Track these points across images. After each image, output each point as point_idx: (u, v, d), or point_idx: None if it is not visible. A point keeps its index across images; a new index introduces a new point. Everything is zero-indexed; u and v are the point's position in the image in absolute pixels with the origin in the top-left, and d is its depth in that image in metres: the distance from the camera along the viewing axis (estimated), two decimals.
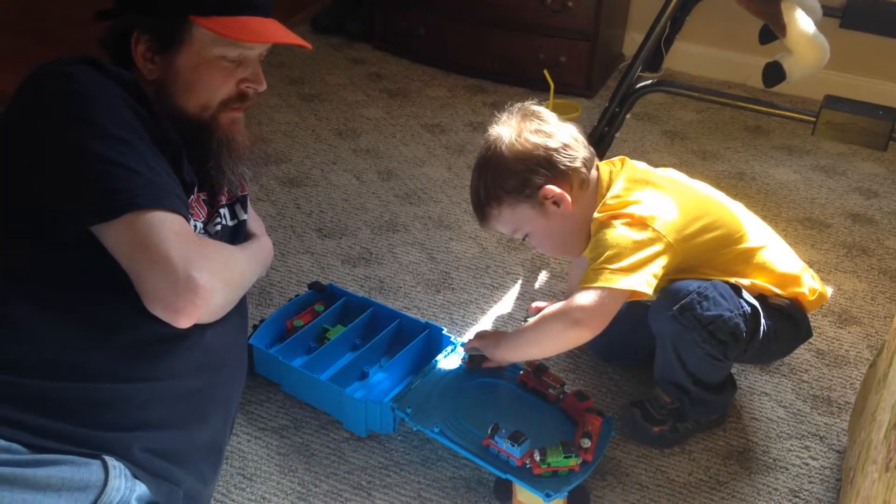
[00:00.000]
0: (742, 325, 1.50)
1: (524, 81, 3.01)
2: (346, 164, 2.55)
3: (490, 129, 1.57)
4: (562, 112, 2.50)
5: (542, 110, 1.57)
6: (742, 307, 1.51)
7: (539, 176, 1.50)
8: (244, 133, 1.46)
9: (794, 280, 1.62)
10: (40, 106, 1.26)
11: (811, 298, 1.63)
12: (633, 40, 3.09)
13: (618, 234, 1.48)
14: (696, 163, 2.61)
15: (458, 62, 3.13)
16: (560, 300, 1.88)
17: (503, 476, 1.45)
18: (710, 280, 1.52)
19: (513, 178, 1.51)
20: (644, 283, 1.44)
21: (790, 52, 2.29)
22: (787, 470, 1.61)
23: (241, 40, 1.35)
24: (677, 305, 1.49)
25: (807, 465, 1.62)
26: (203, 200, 1.44)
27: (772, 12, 2.20)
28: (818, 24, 2.25)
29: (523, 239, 1.61)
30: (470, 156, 2.59)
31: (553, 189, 1.51)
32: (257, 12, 1.38)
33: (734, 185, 2.50)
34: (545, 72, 2.57)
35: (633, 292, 1.45)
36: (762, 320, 1.54)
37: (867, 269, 2.16)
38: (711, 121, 2.87)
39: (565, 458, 1.43)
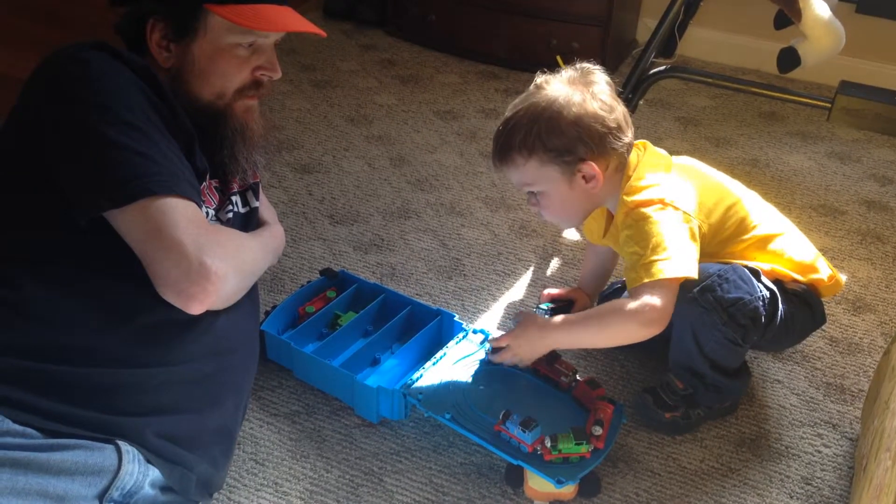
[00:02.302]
0: (761, 308, 1.51)
1: (536, 67, 2.93)
2: (358, 151, 2.54)
3: (548, 82, 1.52)
4: None
5: (605, 79, 1.53)
6: (761, 291, 1.52)
7: (586, 148, 1.48)
8: (258, 121, 1.46)
9: (811, 267, 1.62)
10: (55, 91, 1.26)
11: (828, 284, 1.63)
12: (646, 26, 3.07)
13: (654, 222, 1.46)
14: (709, 149, 2.60)
15: (471, 48, 3.12)
16: (571, 287, 1.89)
17: (514, 462, 1.46)
18: (730, 263, 1.52)
19: (560, 140, 1.47)
20: (693, 266, 1.44)
21: (805, 38, 2.27)
22: (800, 457, 1.61)
23: (255, 28, 1.35)
24: (698, 287, 1.48)
25: (819, 452, 1.62)
26: (215, 188, 1.44)
27: None
28: (834, 10, 2.23)
29: (529, 195, 1.57)
30: (482, 142, 2.58)
31: (592, 167, 1.49)
32: (272, 0, 1.38)
33: (748, 171, 2.49)
34: (558, 58, 2.54)
35: (686, 278, 1.44)
36: (780, 305, 1.55)
37: (882, 257, 2.15)
38: (725, 107, 2.85)
39: (576, 444, 1.44)
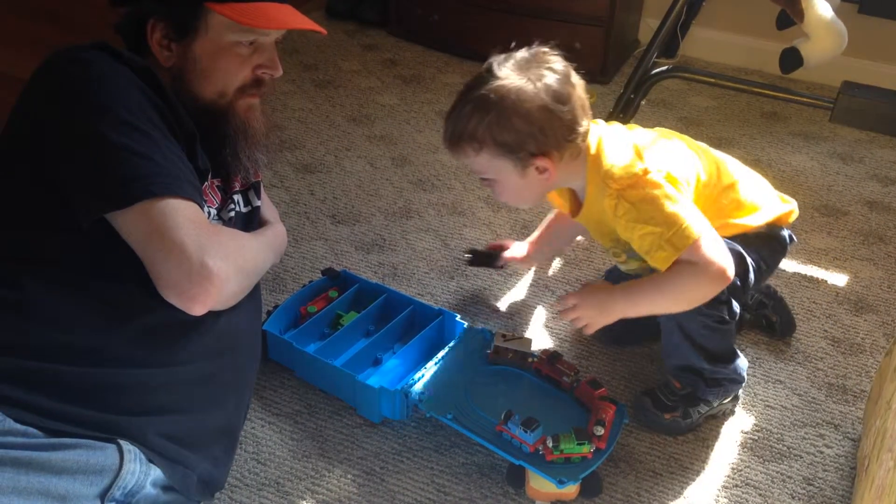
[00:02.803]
0: (753, 264, 1.54)
1: None
2: (360, 151, 2.54)
3: (501, 65, 1.46)
4: None
5: (560, 63, 1.48)
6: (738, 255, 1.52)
7: (538, 143, 1.44)
8: (260, 120, 1.46)
9: (770, 206, 1.63)
10: (56, 92, 1.26)
11: (784, 215, 1.64)
12: (648, 26, 3.07)
13: (654, 197, 1.42)
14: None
15: (473, 48, 3.11)
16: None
17: (516, 462, 1.46)
18: None
19: (511, 135, 1.43)
20: (705, 222, 1.43)
21: (808, 38, 2.27)
22: (802, 458, 1.60)
23: (256, 26, 1.35)
24: None
25: (821, 453, 1.62)
26: (217, 187, 1.45)
27: None
28: (836, 10, 2.23)
29: (482, 178, 1.55)
30: None
31: (544, 162, 1.46)
32: None
33: None
34: None
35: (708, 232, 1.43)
36: (748, 260, 1.55)
37: (884, 257, 2.14)
38: (727, 107, 2.85)
39: (578, 445, 1.44)
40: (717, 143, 2.64)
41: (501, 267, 1.98)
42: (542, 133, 1.44)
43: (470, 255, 1.96)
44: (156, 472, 1.25)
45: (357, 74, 3.00)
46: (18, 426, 1.15)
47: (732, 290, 1.50)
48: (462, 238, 2.17)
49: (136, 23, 1.37)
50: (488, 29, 3.05)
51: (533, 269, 2.07)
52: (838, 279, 2.06)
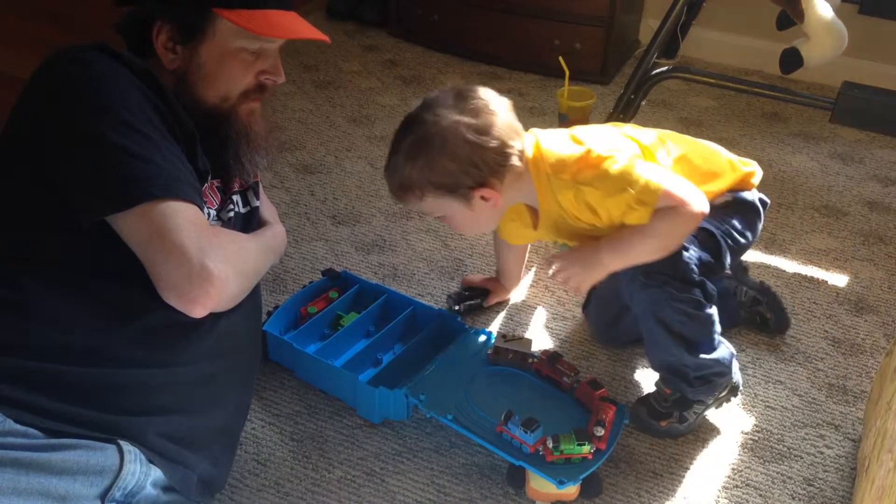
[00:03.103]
0: (704, 256, 1.53)
1: (539, 68, 3.00)
2: (361, 152, 2.54)
3: (423, 111, 1.48)
4: (577, 99, 2.50)
5: (480, 93, 1.48)
6: (694, 239, 1.54)
7: (472, 178, 1.47)
8: (260, 123, 1.47)
9: (726, 172, 1.64)
10: (55, 93, 1.26)
11: (746, 175, 1.66)
12: (648, 27, 3.07)
13: (608, 168, 1.45)
14: None
15: (473, 49, 3.12)
16: (489, 276, 1.97)
17: (516, 463, 1.46)
18: None
19: (444, 177, 1.46)
20: (666, 174, 1.47)
21: (808, 39, 2.27)
22: (802, 458, 1.60)
23: (265, 35, 1.35)
24: (642, 273, 1.49)
25: (821, 453, 1.62)
26: (216, 188, 1.45)
27: None
28: (836, 10, 2.23)
29: (437, 217, 1.58)
30: None
31: (485, 192, 1.48)
32: (279, 5, 1.38)
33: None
34: (560, 58, 2.55)
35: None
36: (717, 234, 1.57)
37: (884, 258, 2.14)
38: (728, 108, 2.85)
39: (578, 445, 1.44)
40: (718, 143, 2.63)
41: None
42: (474, 167, 1.46)
43: (457, 308, 1.92)
44: (156, 473, 1.25)
45: (357, 75, 3.00)
46: (19, 427, 1.15)
47: (707, 269, 1.52)
48: (462, 239, 2.17)
49: (140, 24, 1.36)
50: (488, 29, 3.05)
51: (532, 269, 2.07)
52: (838, 280, 2.06)
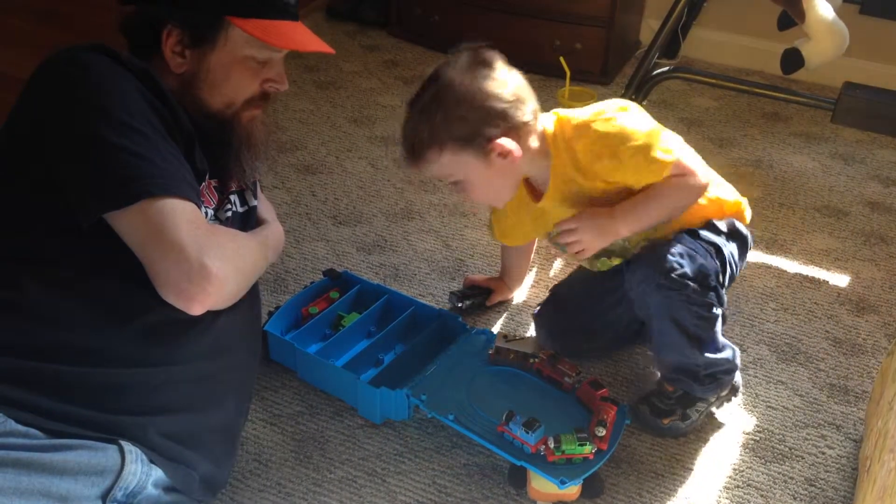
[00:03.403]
0: (718, 264, 1.56)
1: (539, 68, 2.98)
2: (362, 152, 2.54)
3: (439, 71, 1.50)
4: (578, 99, 2.51)
5: (494, 55, 1.51)
6: (707, 248, 1.55)
7: (493, 127, 1.46)
8: (261, 129, 1.48)
9: (730, 199, 1.66)
10: (54, 93, 1.26)
11: (741, 210, 1.67)
12: (649, 27, 3.07)
13: (628, 120, 1.50)
14: (712, 150, 2.59)
15: None
16: (491, 276, 1.96)
17: (517, 463, 1.46)
18: (673, 237, 1.55)
19: (464, 126, 1.46)
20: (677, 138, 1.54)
21: (809, 39, 2.27)
22: (803, 459, 1.60)
23: (277, 46, 1.37)
24: (661, 273, 1.49)
25: (823, 453, 1.61)
26: (214, 187, 1.45)
27: None
28: (837, 11, 2.23)
29: (451, 184, 1.57)
30: None
31: (504, 144, 1.47)
32: (288, 16, 1.40)
33: (751, 172, 2.49)
34: (561, 59, 2.56)
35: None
36: (725, 251, 1.58)
37: (885, 258, 2.14)
38: (729, 108, 2.85)
39: (580, 445, 1.43)
40: (719, 143, 2.64)
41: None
42: (492, 115, 1.46)
43: (460, 305, 1.92)
44: (157, 473, 1.25)
45: (358, 75, 3.00)
46: (20, 427, 1.15)
47: (718, 275, 1.55)
48: (463, 239, 2.17)
49: (148, 26, 1.37)
50: (489, 29, 3.03)
51: (533, 270, 2.07)
52: (840, 280, 2.06)
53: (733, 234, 1.62)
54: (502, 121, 1.47)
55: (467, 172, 1.52)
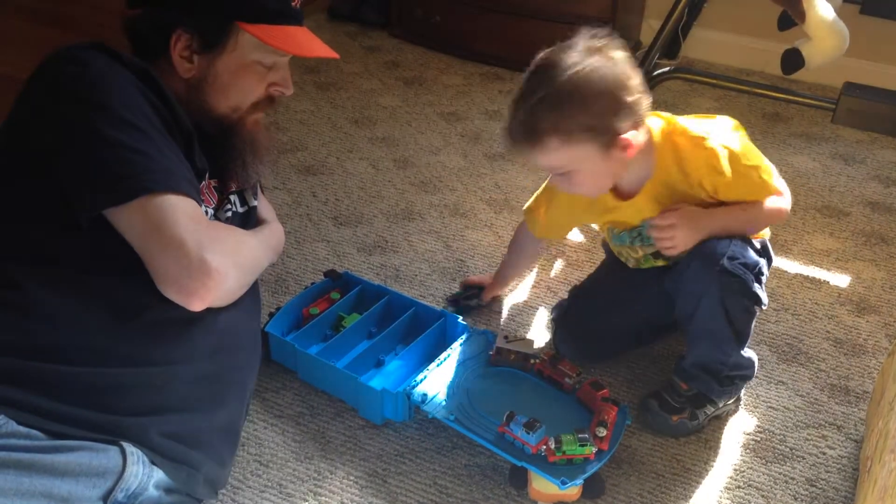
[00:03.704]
0: (766, 263, 1.60)
1: None
2: (362, 153, 2.55)
3: (558, 55, 1.44)
4: None
5: (615, 40, 1.47)
6: (756, 249, 1.59)
7: (622, 120, 1.43)
8: (264, 133, 1.49)
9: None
10: (54, 91, 1.27)
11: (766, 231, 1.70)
12: (650, 27, 3.07)
13: (745, 143, 1.55)
14: None
15: (474, 50, 3.12)
16: (489, 273, 1.95)
17: (518, 464, 1.46)
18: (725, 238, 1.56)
19: (594, 118, 1.41)
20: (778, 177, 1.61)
21: (809, 39, 2.27)
22: (804, 459, 1.60)
23: (286, 51, 1.39)
24: (723, 258, 1.50)
25: (824, 454, 1.61)
26: (214, 187, 1.45)
27: None
28: (838, 11, 2.23)
29: (557, 175, 1.52)
30: (486, 144, 2.58)
31: (630, 138, 1.45)
32: (295, 21, 1.41)
33: None
34: None
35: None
36: (770, 250, 1.65)
37: (886, 258, 2.14)
38: (729, 108, 2.85)
39: (580, 446, 1.44)
40: None
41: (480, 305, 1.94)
42: (623, 108, 1.43)
43: (454, 305, 1.92)
44: (158, 474, 1.25)
45: (359, 76, 3.00)
46: (21, 428, 1.15)
47: (765, 274, 1.59)
48: (464, 239, 2.17)
49: (156, 29, 1.37)
50: (490, 30, 3.06)
51: (534, 270, 2.07)
52: (840, 280, 2.06)
53: (764, 252, 1.64)
54: (631, 114, 1.44)
55: (583, 163, 1.47)
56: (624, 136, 1.44)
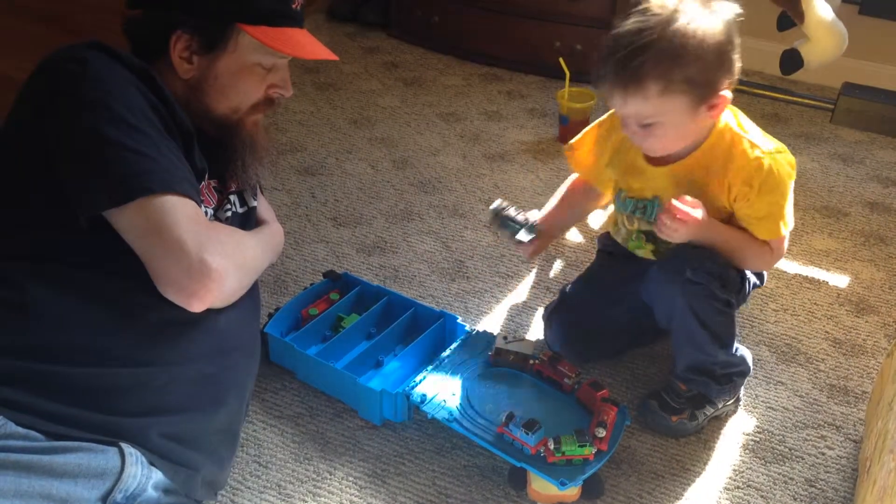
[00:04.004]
0: (737, 272, 1.59)
1: (540, 69, 2.99)
2: (361, 153, 2.55)
3: (679, 7, 1.41)
4: (578, 100, 2.51)
5: (729, 3, 1.47)
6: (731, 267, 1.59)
7: (724, 77, 1.42)
8: (263, 134, 1.49)
9: None
10: (54, 91, 1.27)
11: None
12: None
13: (787, 180, 1.53)
14: None
15: (474, 50, 3.12)
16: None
17: (517, 464, 1.46)
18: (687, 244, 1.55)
19: (705, 72, 1.40)
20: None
21: (808, 39, 2.27)
22: (803, 459, 1.60)
23: (286, 53, 1.39)
24: (688, 269, 1.51)
25: (823, 454, 1.62)
26: (213, 187, 1.45)
27: None
28: (836, 11, 2.24)
29: (638, 126, 1.47)
30: (485, 144, 2.58)
31: (727, 97, 1.44)
32: (295, 23, 1.41)
33: None
34: (561, 60, 2.56)
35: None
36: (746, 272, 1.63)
37: (885, 258, 2.14)
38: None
39: (580, 446, 1.44)
40: None
41: (527, 240, 1.66)
42: (727, 63, 1.43)
43: (495, 218, 1.68)
44: (157, 475, 1.25)
45: (358, 77, 3.00)
46: (20, 429, 1.15)
47: (741, 277, 1.60)
48: (463, 240, 2.17)
49: (157, 30, 1.37)
50: (489, 31, 3.06)
51: (534, 271, 2.07)
52: (839, 280, 2.06)
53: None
54: (731, 72, 1.44)
55: (672, 115, 1.44)
56: (722, 93, 1.44)
